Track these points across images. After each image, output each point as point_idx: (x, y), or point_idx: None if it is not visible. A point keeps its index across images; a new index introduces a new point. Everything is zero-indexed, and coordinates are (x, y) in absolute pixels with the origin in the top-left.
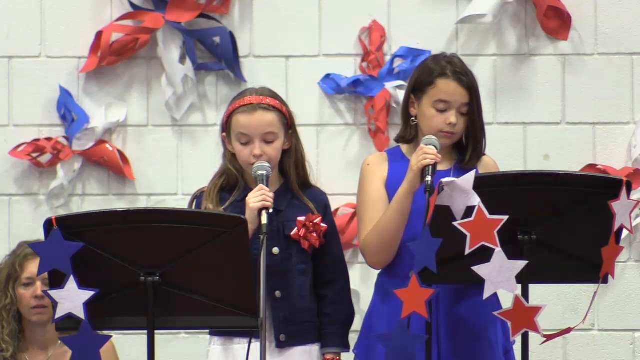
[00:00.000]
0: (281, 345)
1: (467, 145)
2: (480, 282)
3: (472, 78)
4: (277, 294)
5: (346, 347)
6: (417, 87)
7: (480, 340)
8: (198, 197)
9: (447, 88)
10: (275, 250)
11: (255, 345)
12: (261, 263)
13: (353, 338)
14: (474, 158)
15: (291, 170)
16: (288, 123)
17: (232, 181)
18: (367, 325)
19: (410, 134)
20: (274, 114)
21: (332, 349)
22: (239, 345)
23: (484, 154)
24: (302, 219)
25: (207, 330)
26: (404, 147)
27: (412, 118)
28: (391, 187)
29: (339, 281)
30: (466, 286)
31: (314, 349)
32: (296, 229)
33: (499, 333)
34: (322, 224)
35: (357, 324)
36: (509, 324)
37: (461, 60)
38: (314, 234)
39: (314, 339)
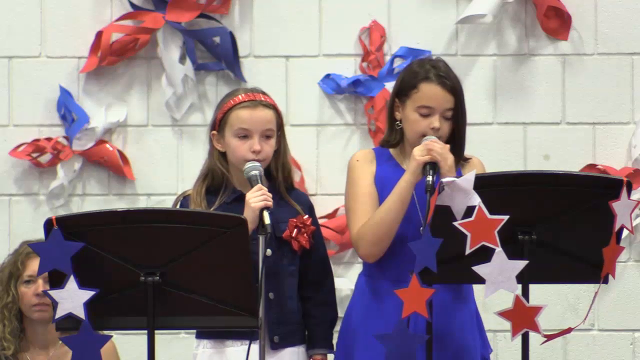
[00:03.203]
0: (274, 347)
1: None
2: (478, 282)
3: (456, 82)
4: (271, 295)
5: (332, 348)
6: (401, 91)
7: (458, 350)
8: (182, 200)
9: (430, 92)
10: (268, 251)
11: (246, 347)
12: (260, 263)
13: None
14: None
15: (278, 172)
16: (280, 124)
17: (218, 181)
18: (346, 325)
19: (395, 138)
20: (272, 112)
21: (320, 350)
22: (232, 348)
23: (469, 157)
24: (294, 220)
25: (207, 331)
26: (392, 150)
27: (397, 122)
28: (379, 186)
29: (325, 282)
30: (443, 295)
31: (301, 351)
32: (287, 230)
33: (477, 341)
34: (311, 225)
35: None
36: (510, 323)
37: (446, 64)
38: (305, 235)
39: (301, 341)
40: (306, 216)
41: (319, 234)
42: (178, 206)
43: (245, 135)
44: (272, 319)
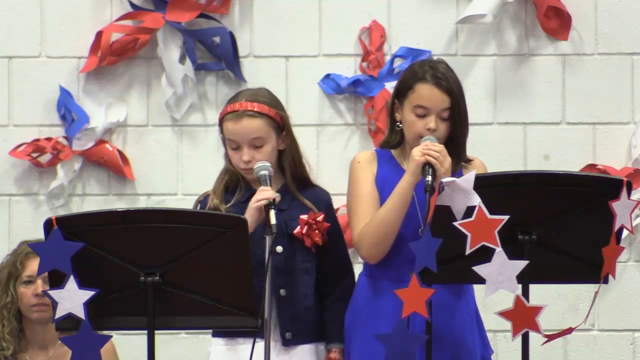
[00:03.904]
0: (287, 344)
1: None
2: (478, 282)
3: (453, 83)
4: (282, 292)
5: None
6: (400, 92)
7: (458, 350)
8: (202, 200)
9: (425, 92)
10: (279, 248)
11: (260, 344)
12: (266, 263)
13: None
14: (453, 165)
15: (287, 172)
16: (279, 126)
17: (235, 180)
18: (346, 325)
19: (396, 139)
20: (260, 120)
21: (335, 345)
22: (243, 345)
23: (471, 159)
24: (304, 217)
25: (208, 330)
26: (393, 150)
27: (397, 123)
28: (380, 187)
29: (344, 280)
30: (443, 295)
31: (320, 348)
32: (299, 227)
33: (477, 342)
34: (325, 222)
35: None
36: (511, 323)
37: (447, 66)
38: (317, 232)
39: (319, 338)
40: (318, 213)
41: (337, 230)
42: (199, 206)
43: (235, 146)
44: (284, 316)
